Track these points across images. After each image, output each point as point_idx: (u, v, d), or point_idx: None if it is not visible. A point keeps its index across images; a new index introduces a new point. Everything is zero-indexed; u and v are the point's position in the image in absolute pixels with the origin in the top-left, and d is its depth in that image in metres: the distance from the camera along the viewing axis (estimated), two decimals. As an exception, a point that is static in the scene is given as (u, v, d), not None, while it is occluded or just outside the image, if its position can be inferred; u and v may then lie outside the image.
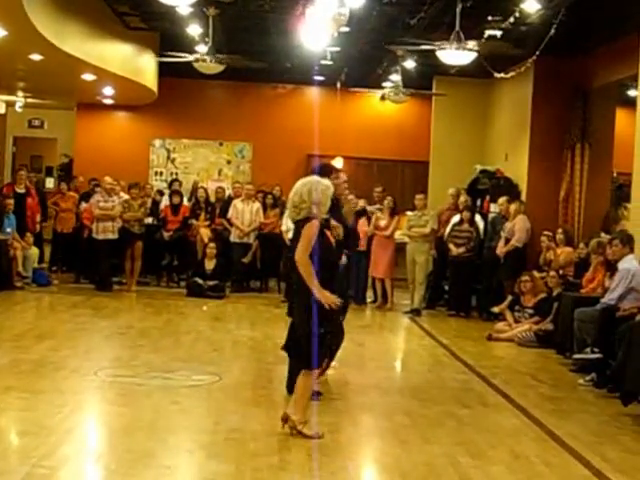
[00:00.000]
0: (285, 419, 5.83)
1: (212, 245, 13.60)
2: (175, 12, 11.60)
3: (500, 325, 11.11)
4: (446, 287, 13.39)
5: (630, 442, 6.31)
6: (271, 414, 6.28)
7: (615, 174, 14.67)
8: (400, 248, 13.32)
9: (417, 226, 12.92)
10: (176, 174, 18.49)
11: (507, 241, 12.21)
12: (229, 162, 19.09)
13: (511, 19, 10.44)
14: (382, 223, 13.11)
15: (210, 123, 18.57)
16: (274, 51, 14.59)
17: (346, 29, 10.76)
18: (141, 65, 15.25)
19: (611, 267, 9.31)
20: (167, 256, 14.55)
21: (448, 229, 12.96)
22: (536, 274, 11.25)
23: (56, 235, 15.16)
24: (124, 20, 13.93)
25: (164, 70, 15.90)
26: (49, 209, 15.03)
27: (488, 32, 10.95)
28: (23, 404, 6.42)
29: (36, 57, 12.59)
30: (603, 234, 11.23)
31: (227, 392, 7.19)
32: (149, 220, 14.22)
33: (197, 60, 12.79)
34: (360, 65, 15.81)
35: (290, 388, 6.43)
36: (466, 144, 16.11)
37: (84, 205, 14.70)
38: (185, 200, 15.00)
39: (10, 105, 20.50)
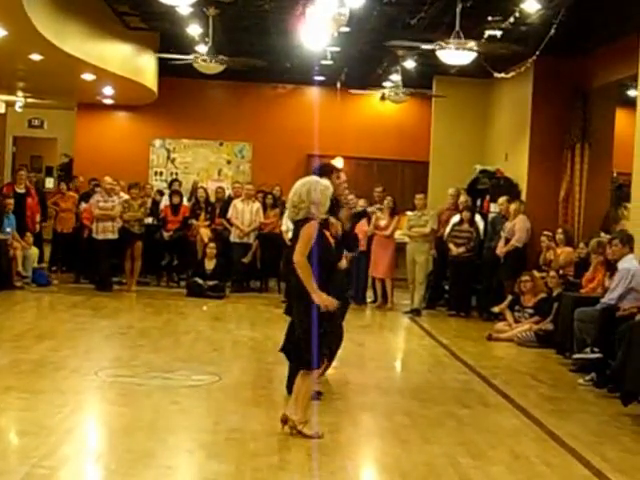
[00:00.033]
0: (284, 420, 5.83)
1: (212, 245, 13.60)
2: (175, 12, 11.60)
3: (500, 325, 11.11)
4: (446, 287, 13.39)
5: (630, 442, 6.31)
6: (271, 414, 6.28)
7: (615, 174, 14.67)
8: (400, 248, 13.32)
9: (417, 226, 12.92)
10: (176, 174, 18.49)
11: (507, 241, 12.21)
12: (229, 162, 19.09)
13: (511, 19, 10.44)
14: (382, 223, 13.11)
15: (210, 123, 18.58)
16: (274, 51, 14.59)
17: (346, 29, 10.77)
18: (141, 65, 15.26)
19: (611, 267, 9.31)
20: (167, 256, 14.55)
21: (448, 229, 12.96)
22: (536, 274, 11.25)
23: (56, 235, 15.16)
24: (124, 20, 13.93)
25: (164, 70, 15.90)
26: (49, 209, 15.03)
27: (488, 32, 10.96)
28: (23, 404, 6.42)
29: (36, 57, 12.59)
30: (603, 234, 11.23)
31: (227, 392, 7.19)
32: (149, 220, 14.22)
33: (197, 60, 12.79)
34: (360, 65, 15.81)
35: (290, 388, 6.43)
36: (466, 144, 16.11)
37: (84, 205, 14.70)
38: (185, 200, 15.00)
39: (10, 105, 20.51)
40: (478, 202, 14.32)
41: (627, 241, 8.94)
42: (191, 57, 12.83)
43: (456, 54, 10.32)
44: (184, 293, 13.36)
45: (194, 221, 14.36)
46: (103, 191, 13.61)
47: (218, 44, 12.81)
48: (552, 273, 10.89)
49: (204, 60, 12.74)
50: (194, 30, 12.69)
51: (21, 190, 13.81)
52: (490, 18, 10.86)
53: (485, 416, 6.95)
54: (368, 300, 13.47)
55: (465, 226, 12.79)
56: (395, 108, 17.84)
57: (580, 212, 13.22)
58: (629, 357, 7.09)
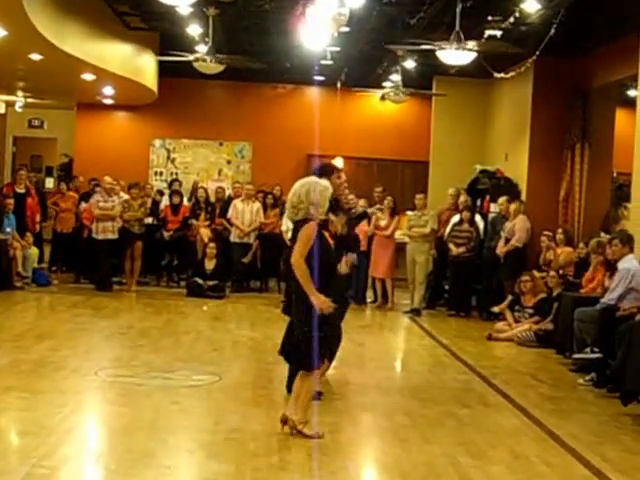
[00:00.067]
0: (284, 421, 5.83)
1: (212, 245, 13.60)
2: (175, 12, 11.60)
3: (500, 325, 11.11)
4: (446, 287, 13.39)
5: (630, 442, 6.31)
6: (271, 414, 6.28)
7: (615, 174, 14.66)
8: (400, 248, 13.32)
9: (417, 226, 12.92)
10: (176, 174, 18.49)
11: (507, 241, 12.21)
12: (229, 162, 19.09)
13: (511, 19, 10.44)
14: (382, 223, 13.12)
15: (210, 123, 18.58)
16: (274, 51, 14.59)
17: (346, 29, 10.76)
18: (141, 65, 15.25)
19: (611, 267, 9.31)
20: (167, 256, 14.56)
21: (448, 229, 12.97)
22: (536, 274, 11.25)
23: (56, 235, 15.16)
24: (124, 20, 13.93)
25: (164, 70, 15.90)
26: (49, 209, 15.03)
27: (488, 32, 10.95)
28: (23, 404, 6.42)
29: (36, 57, 12.59)
30: (603, 234, 11.23)
31: (227, 392, 7.19)
32: (149, 220, 14.22)
33: (197, 60, 12.79)
34: (360, 65, 15.81)
35: (290, 388, 6.42)
36: (466, 144, 16.11)
37: (84, 205, 14.71)
38: (185, 200, 15.00)
39: (10, 105, 20.51)
40: (478, 202, 14.32)
41: (627, 241, 8.94)
42: (191, 57, 12.83)
43: (456, 54, 10.32)
44: (184, 293, 13.36)
45: (194, 221, 14.36)
46: (103, 191, 13.61)
47: (218, 44, 12.80)
48: (552, 273, 10.89)
49: (204, 60, 12.74)
50: (194, 30, 12.68)
51: (21, 190, 13.81)
52: (490, 18, 10.86)
53: (485, 416, 6.95)
54: (368, 300, 13.47)
55: (465, 226, 12.79)
56: (395, 108, 17.84)
57: (580, 212, 13.22)
58: (629, 357, 7.09)
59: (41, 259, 14.49)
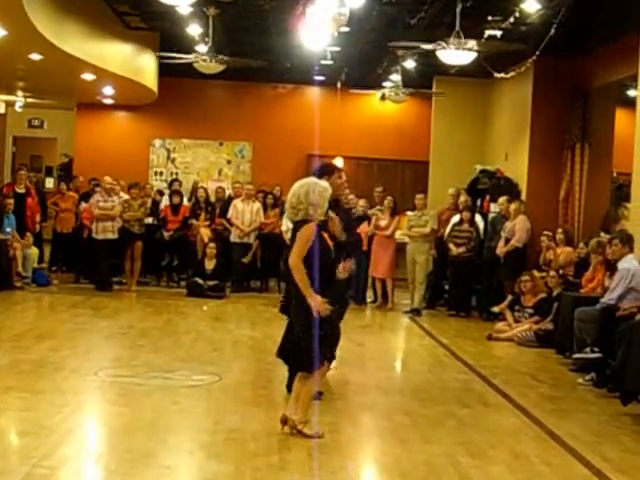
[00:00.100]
0: (284, 421, 5.83)
1: (212, 245, 13.59)
2: (175, 12, 11.59)
3: (500, 325, 11.11)
4: (446, 287, 13.39)
5: (630, 442, 6.31)
6: (271, 414, 6.28)
7: (615, 174, 14.67)
8: (400, 248, 13.32)
9: (417, 226, 12.92)
10: (176, 174, 18.49)
11: (507, 241, 12.21)
12: (229, 162, 19.09)
13: (511, 19, 10.44)
14: (382, 223, 13.12)
15: (210, 123, 18.58)
16: (274, 51, 14.59)
17: (346, 29, 10.76)
18: (141, 65, 15.25)
19: (611, 267, 9.31)
20: (167, 256, 14.55)
21: (448, 229, 12.97)
22: (536, 274, 11.25)
23: (56, 235, 15.17)
24: (124, 20, 13.93)
25: (164, 70, 15.89)
26: (49, 209, 15.03)
27: (488, 32, 10.95)
28: (23, 404, 6.42)
29: (36, 57, 12.59)
30: (603, 234, 11.23)
31: (227, 392, 7.19)
32: (149, 220, 14.22)
33: (197, 60, 12.79)
34: (360, 65, 15.81)
35: (290, 387, 6.42)
36: (466, 144, 16.12)
37: (84, 205, 14.71)
38: (185, 200, 15.00)
39: (10, 105, 20.51)
40: (478, 202, 14.32)
41: (627, 241, 8.94)
42: (191, 57, 12.83)
43: (456, 54, 10.32)
44: (184, 293, 13.36)
45: (194, 221, 14.36)
46: (103, 191, 13.61)
47: (218, 44, 12.80)
48: (552, 273, 10.89)
49: (204, 60, 12.74)
50: (194, 30, 12.68)
51: (21, 190, 13.81)
52: (490, 18, 10.86)
53: (485, 416, 6.95)
54: (368, 300, 13.47)
55: (465, 226, 12.79)
56: (395, 108, 17.84)
57: (580, 212, 13.23)
58: (629, 357, 7.09)
59: (41, 259, 14.49)
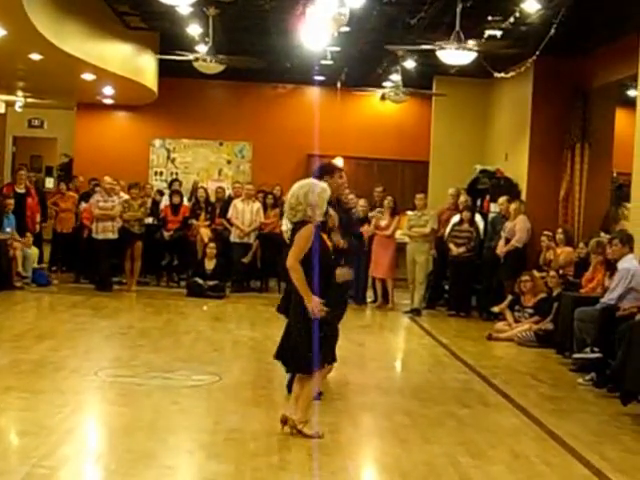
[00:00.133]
0: (284, 421, 5.82)
1: (212, 245, 13.59)
2: (175, 12, 11.60)
3: (500, 325, 11.12)
4: (446, 287, 13.39)
5: (630, 442, 6.31)
6: (271, 414, 6.28)
7: (615, 174, 14.67)
8: (400, 248, 13.32)
9: (417, 226, 12.92)
10: (176, 174, 18.49)
11: (507, 241, 12.21)
12: (229, 162, 19.09)
13: (511, 19, 10.44)
14: (383, 223, 13.12)
15: (210, 123, 18.58)
16: (274, 51, 14.59)
17: (346, 29, 10.76)
18: (141, 65, 15.25)
19: (611, 267, 9.32)
20: (167, 256, 14.56)
21: (448, 229, 12.97)
22: (536, 274, 11.25)
23: (56, 235, 15.17)
24: (124, 20, 13.93)
25: (164, 70, 15.89)
26: (49, 209, 15.03)
27: (488, 32, 10.95)
28: (23, 404, 6.42)
29: (36, 57, 12.59)
30: (603, 234, 11.23)
31: (227, 392, 7.19)
32: (149, 220, 14.22)
33: (197, 60, 12.79)
34: (360, 65, 15.81)
35: (291, 387, 6.42)
36: (466, 144, 16.12)
37: (84, 205, 14.71)
38: (185, 200, 15.00)
39: (10, 105, 20.51)
40: (478, 202, 14.32)
41: (627, 241, 8.94)
42: (191, 57, 12.83)
43: (456, 54, 10.32)
44: (184, 293, 13.36)
45: (194, 221, 14.36)
46: (103, 191, 13.61)
47: (218, 44, 12.80)
48: (552, 273, 10.89)
49: (204, 60, 12.74)
50: (194, 30, 12.68)
51: (21, 190, 13.81)
52: (490, 18, 10.86)
53: (485, 416, 6.95)
54: (368, 300, 13.47)
55: (465, 226, 12.79)
56: (395, 108, 17.84)
57: (580, 212, 13.23)
58: (629, 357, 7.09)
59: (41, 259, 14.49)
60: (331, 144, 17.61)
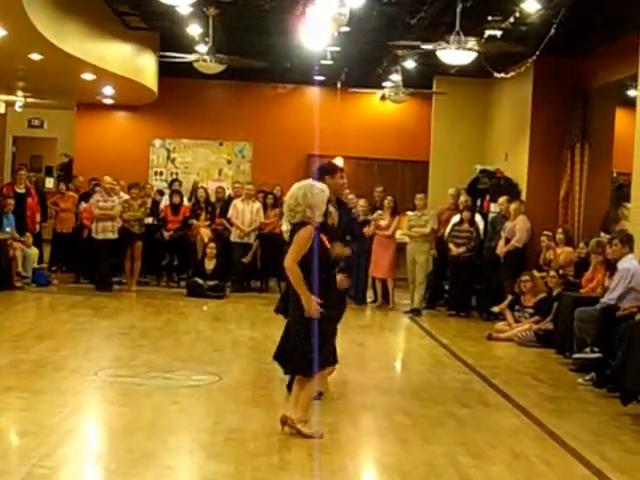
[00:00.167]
0: (284, 421, 5.82)
1: (212, 245, 13.59)
2: (175, 12, 11.59)
3: (500, 325, 11.12)
4: (446, 287, 13.39)
5: (630, 442, 6.31)
6: (271, 414, 6.28)
7: (615, 174, 14.67)
8: (400, 248, 13.32)
9: (417, 226, 12.92)
10: (176, 174, 18.50)
11: (507, 241, 12.21)
12: (229, 162, 19.09)
13: (511, 19, 10.43)
14: (383, 223, 13.12)
15: (210, 123, 18.58)
16: (274, 51, 14.59)
17: (346, 29, 10.76)
18: (141, 65, 15.25)
19: (611, 267, 9.32)
20: (167, 256, 14.56)
21: (448, 229, 12.97)
22: (536, 274, 11.25)
23: (56, 235, 15.17)
24: (124, 20, 13.93)
25: (164, 70, 15.89)
26: (49, 209, 15.04)
27: (488, 32, 10.94)
28: (23, 404, 6.42)
29: (36, 57, 12.59)
30: (603, 234, 11.23)
31: (227, 392, 7.19)
32: (149, 220, 14.22)
33: (197, 60, 12.79)
34: (360, 65, 15.81)
35: (291, 387, 6.42)
36: (466, 144, 16.12)
37: (84, 205, 14.71)
38: (185, 200, 15.00)
39: (10, 105, 20.51)
40: (478, 202, 14.32)
41: (627, 241, 8.94)
42: (191, 57, 12.82)
43: (456, 54, 10.32)
44: (184, 293, 13.36)
45: (194, 221, 14.36)
46: (103, 191, 13.60)
47: (218, 44, 12.80)
48: (552, 273, 10.89)
49: (204, 60, 12.74)
50: (194, 30, 12.67)
51: (21, 190, 13.81)
52: (490, 18, 10.85)
53: (485, 416, 6.95)
54: (368, 300, 13.47)
55: (465, 226, 12.79)
56: (395, 108, 17.84)
57: (580, 212, 13.23)
58: (629, 357, 7.09)
59: (41, 259, 14.49)
60: (331, 144, 17.61)
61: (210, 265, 13.44)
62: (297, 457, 5.42)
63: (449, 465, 5.43)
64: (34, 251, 13.69)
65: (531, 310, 10.81)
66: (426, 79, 15.88)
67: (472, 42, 10.24)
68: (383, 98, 16.45)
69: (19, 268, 12.96)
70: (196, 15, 11.94)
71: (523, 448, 5.94)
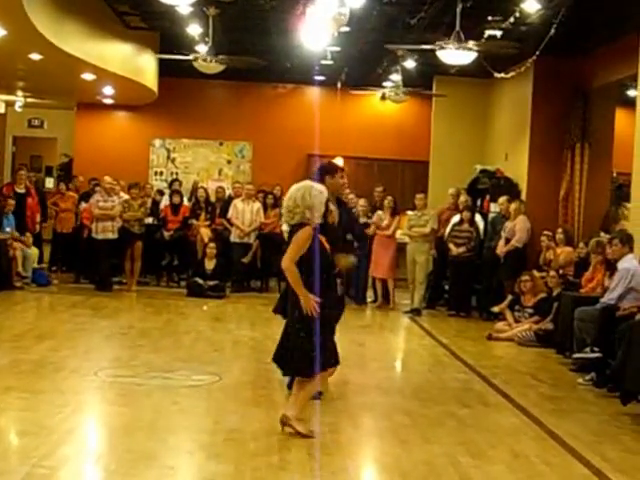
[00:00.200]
0: (284, 422, 5.82)
1: (212, 245, 13.59)
2: (175, 12, 11.60)
3: (500, 325, 11.12)
4: (446, 287, 13.39)
5: (630, 441, 6.31)
6: (271, 414, 6.28)
7: (615, 174, 14.67)
8: (400, 248, 13.32)
9: (417, 226, 12.92)
10: (176, 174, 18.51)
11: (507, 241, 12.21)
12: (229, 162, 19.10)
13: (511, 19, 10.45)
14: (383, 223, 13.12)
15: (210, 123, 18.58)
16: (274, 51, 14.59)
17: (346, 29, 10.77)
18: (141, 65, 15.25)
19: (611, 267, 9.32)
20: (167, 256, 14.56)
21: (448, 229, 12.97)
22: (536, 274, 11.25)
23: (56, 235, 15.17)
24: (124, 20, 13.93)
25: (164, 70, 15.90)
26: (49, 209, 15.04)
27: (488, 32, 10.96)
28: (23, 404, 6.42)
29: (36, 57, 12.59)
30: (603, 234, 11.24)
31: (227, 392, 7.19)
32: (149, 220, 14.23)
33: (197, 60, 12.79)
34: (360, 65, 15.81)
35: (292, 386, 6.42)
36: (466, 144, 16.12)
37: (84, 205, 14.71)
38: (185, 200, 15.01)
39: (10, 105, 20.51)
40: (478, 202, 14.32)
41: (627, 241, 8.94)
42: (191, 57, 12.83)
43: (456, 54, 10.32)
44: (184, 293, 13.36)
45: (194, 221, 14.36)
46: (103, 191, 13.60)
47: (218, 44, 12.80)
48: (552, 273, 10.89)
49: (204, 60, 12.74)
50: (194, 30, 12.68)
51: (21, 190, 13.81)
52: (490, 18, 10.86)
53: (485, 415, 6.95)
54: (368, 300, 13.47)
55: (465, 226, 12.79)
56: (395, 108, 17.85)
57: (580, 212, 13.23)
58: (629, 357, 7.09)
59: (41, 259, 14.49)
60: (331, 144, 17.61)
61: (210, 265, 13.44)
62: (297, 457, 5.41)
63: (449, 465, 5.43)
64: (34, 251, 13.69)
65: (531, 310, 10.81)
66: (426, 79, 15.88)
67: (472, 42, 10.23)
68: (383, 98, 16.46)
69: (19, 268, 12.96)
70: (196, 15, 11.95)
71: (523, 448, 5.94)
